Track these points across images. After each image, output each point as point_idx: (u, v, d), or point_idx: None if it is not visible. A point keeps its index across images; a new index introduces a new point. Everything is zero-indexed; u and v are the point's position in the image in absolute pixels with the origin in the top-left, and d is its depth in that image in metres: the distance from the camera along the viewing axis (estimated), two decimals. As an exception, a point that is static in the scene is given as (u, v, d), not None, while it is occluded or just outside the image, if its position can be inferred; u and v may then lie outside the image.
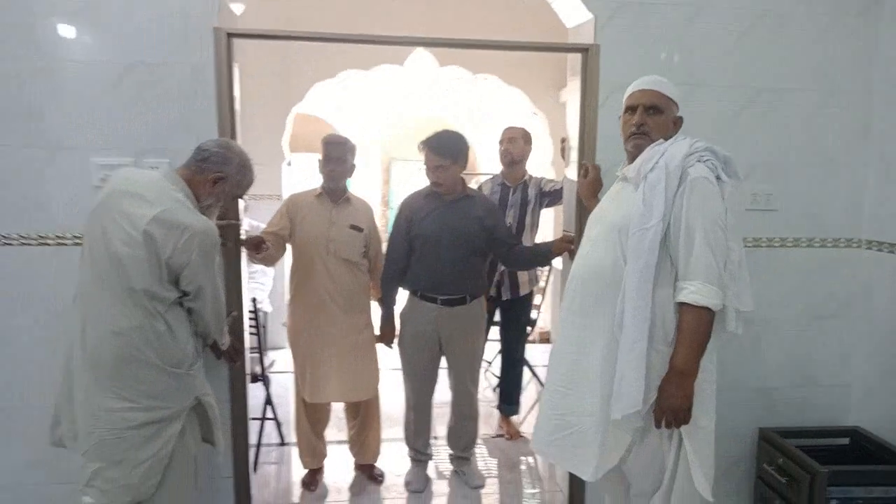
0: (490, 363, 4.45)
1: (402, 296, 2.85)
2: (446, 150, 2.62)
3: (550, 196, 3.35)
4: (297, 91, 4.99)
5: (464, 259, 2.67)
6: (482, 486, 2.89)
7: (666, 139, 1.83)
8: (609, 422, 1.77)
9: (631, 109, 1.87)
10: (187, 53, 2.21)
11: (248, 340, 3.40)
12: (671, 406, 1.68)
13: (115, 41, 2.18)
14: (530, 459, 3.24)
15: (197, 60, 2.21)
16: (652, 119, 1.83)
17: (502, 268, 3.30)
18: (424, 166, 2.68)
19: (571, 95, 2.57)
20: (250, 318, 3.15)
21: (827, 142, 2.56)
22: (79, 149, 2.17)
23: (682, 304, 1.68)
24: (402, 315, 2.82)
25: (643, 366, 1.69)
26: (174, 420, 1.85)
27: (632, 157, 1.87)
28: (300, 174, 6.01)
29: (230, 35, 2.25)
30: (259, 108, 4.95)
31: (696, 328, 1.67)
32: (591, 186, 2.32)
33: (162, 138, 2.22)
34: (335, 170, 2.69)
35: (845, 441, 2.59)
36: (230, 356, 2.22)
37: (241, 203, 2.37)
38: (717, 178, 1.75)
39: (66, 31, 2.16)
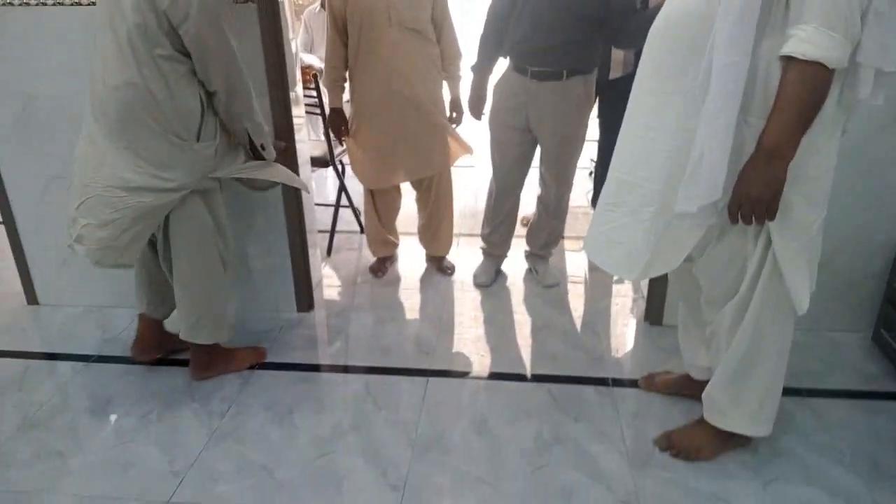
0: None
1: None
2: None
3: None
4: None
5: (567, 26, 2.22)
6: (556, 285, 2.68)
7: None
8: (672, 215, 1.43)
9: None
10: None
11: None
12: (750, 195, 1.30)
13: None
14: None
15: None
16: None
17: None
18: None
19: None
20: (316, 103, 3.00)
21: None
22: None
23: (786, 59, 1.23)
24: (495, 86, 2.49)
25: (730, 142, 1.29)
26: (172, 193, 1.74)
27: None
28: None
29: None
30: None
31: (799, 91, 1.22)
32: None
33: None
34: None
35: None
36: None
37: None
38: None
39: None
